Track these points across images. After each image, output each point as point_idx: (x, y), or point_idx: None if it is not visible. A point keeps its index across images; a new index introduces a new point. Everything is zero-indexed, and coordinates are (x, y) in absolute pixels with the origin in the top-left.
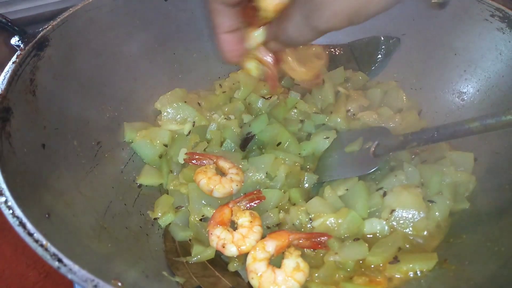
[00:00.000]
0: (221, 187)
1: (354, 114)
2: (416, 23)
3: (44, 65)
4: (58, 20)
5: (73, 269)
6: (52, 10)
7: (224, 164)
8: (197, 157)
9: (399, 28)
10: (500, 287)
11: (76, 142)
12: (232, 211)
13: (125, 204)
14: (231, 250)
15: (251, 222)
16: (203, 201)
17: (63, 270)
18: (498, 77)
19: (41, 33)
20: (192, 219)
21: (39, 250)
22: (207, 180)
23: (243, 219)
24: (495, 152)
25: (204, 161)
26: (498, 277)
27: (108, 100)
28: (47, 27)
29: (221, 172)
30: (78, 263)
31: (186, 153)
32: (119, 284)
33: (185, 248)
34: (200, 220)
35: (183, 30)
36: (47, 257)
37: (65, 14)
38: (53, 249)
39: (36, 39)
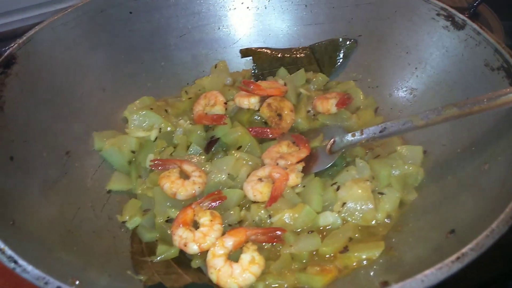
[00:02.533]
0: (183, 190)
1: (314, 115)
2: (370, 24)
3: (12, 82)
4: (24, 38)
5: (26, 269)
6: (19, 27)
7: (187, 167)
8: (161, 163)
9: (356, 29)
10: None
11: (45, 153)
12: (194, 211)
13: (93, 210)
14: (192, 248)
15: (211, 221)
16: (167, 204)
17: (18, 270)
18: (445, 73)
19: (7, 51)
20: (158, 221)
21: None
22: (170, 184)
23: (204, 219)
24: (442, 145)
25: (169, 166)
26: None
27: (77, 111)
28: (13, 45)
29: (186, 175)
30: (34, 264)
31: (151, 160)
32: (77, 282)
33: (151, 249)
34: (166, 221)
35: (149, 40)
36: (3, 259)
37: (31, 32)
38: (9, 252)
39: (2, 58)
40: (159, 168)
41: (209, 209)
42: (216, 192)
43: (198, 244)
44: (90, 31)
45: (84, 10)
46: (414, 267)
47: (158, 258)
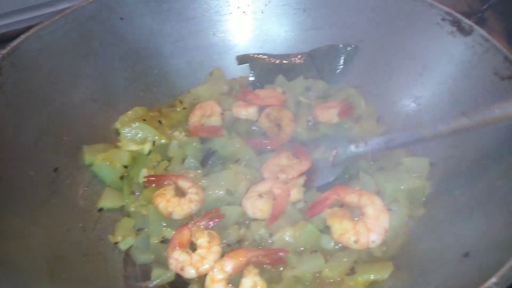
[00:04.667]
0: (179, 209)
1: (314, 124)
2: (372, 29)
3: None
4: (8, 48)
5: None
6: (4, 32)
7: (183, 183)
8: (155, 179)
9: (357, 35)
10: None
11: (32, 171)
12: (191, 232)
13: (84, 231)
14: (190, 272)
15: (209, 242)
16: (163, 223)
17: None
18: (451, 81)
19: None
20: (152, 241)
21: None
22: (165, 202)
23: (202, 240)
24: (450, 156)
25: (164, 182)
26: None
27: (66, 123)
28: None
29: (181, 192)
30: None
31: (144, 176)
32: None
33: (146, 272)
34: (161, 242)
35: (141, 47)
36: None
37: (16, 41)
38: None
39: None
40: (153, 184)
41: (206, 228)
42: (214, 210)
43: (195, 268)
44: (79, 39)
45: (73, 16)
46: None
47: (154, 282)
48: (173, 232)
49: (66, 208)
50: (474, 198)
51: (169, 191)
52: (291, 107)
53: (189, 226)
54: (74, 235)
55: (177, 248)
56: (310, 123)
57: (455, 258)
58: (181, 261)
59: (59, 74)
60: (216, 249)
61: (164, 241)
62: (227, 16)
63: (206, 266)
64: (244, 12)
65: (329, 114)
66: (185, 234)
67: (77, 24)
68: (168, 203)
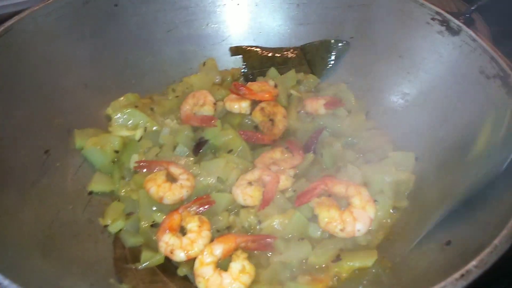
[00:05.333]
0: (171, 194)
1: (306, 113)
2: (363, 26)
3: None
4: (2, 28)
5: (3, 284)
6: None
7: (175, 170)
8: (146, 164)
9: (348, 31)
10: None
11: (23, 152)
12: (181, 216)
13: (74, 213)
14: (179, 256)
15: (199, 226)
16: (153, 208)
17: None
18: (439, 79)
19: None
20: (142, 225)
21: None
22: (156, 188)
23: (192, 224)
24: (435, 152)
25: (155, 168)
26: (425, 274)
27: (58, 107)
28: None
29: (172, 178)
30: (10, 278)
31: (135, 162)
32: None
33: (135, 255)
34: (151, 226)
35: (135, 34)
36: None
37: (10, 21)
38: None
39: None
40: (144, 170)
41: (197, 214)
42: (204, 196)
43: (185, 251)
44: (73, 24)
45: (67, 1)
46: (411, 280)
47: (143, 265)
48: (163, 217)
49: (56, 190)
50: (456, 190)
51: (160, 177)
52: (283, 99)
53: (180, 211)
54: (64, 217)
55: (167, 231)
56: (300, 113)
57: (438, 247)
58: (171, 244)
59: (52, 58)
60: (206, 233)
61: (154, 225)
62: (221, 7)
63: (196, 250)
64: (238, 4)
65: (316, 105)
66: (175, 218)
67: (72, 9)
68: (159, 188)
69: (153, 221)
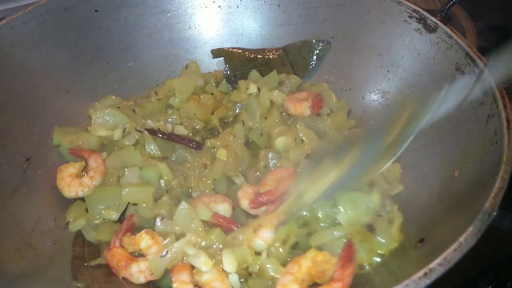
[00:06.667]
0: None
1: (288, 115)
2: (343, 26)
3: None
4: None
5: None
6: None
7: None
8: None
9: (329, 31)
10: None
11: (4, 160)
12: (125, 246)
13: (55, 219)
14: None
15: (153, 238)
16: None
17: None
18: (417, 76)
19: None
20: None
21: None
22: (59, 180)
23: (144, 242)
24: (413, 149)
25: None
26: (398, 272)
27: (39, 114)
28: None
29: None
30: None
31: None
32: None
33: (94, 255)
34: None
35: (116, 39)
36: None
37: None
38: None
39: None
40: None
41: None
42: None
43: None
44: (53, 30)
45: (47, 8)
46: (382, 279)
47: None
48: (112, 214)
49: (38, 197)
50: (432, 188)
51: (68, 169)
52: (266, 101)
53: (116, 244)
54: (45, 224)
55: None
56: (283, 115)
57: (412, 244)
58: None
59: (33, 65)
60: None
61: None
62: (202, 10)
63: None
64: (219, 7)
65: (301, 108)
66: (119, 253)
67: (51, 16)
68: (62, 180)
69: (104, 218)
